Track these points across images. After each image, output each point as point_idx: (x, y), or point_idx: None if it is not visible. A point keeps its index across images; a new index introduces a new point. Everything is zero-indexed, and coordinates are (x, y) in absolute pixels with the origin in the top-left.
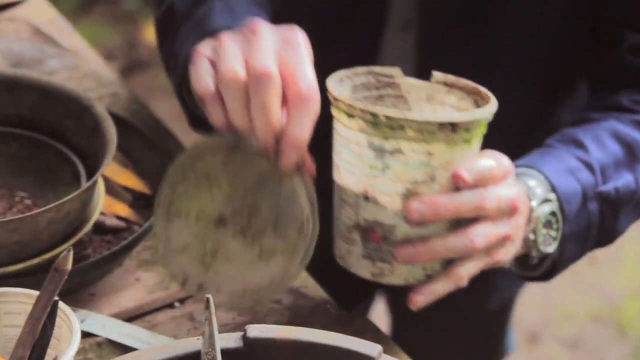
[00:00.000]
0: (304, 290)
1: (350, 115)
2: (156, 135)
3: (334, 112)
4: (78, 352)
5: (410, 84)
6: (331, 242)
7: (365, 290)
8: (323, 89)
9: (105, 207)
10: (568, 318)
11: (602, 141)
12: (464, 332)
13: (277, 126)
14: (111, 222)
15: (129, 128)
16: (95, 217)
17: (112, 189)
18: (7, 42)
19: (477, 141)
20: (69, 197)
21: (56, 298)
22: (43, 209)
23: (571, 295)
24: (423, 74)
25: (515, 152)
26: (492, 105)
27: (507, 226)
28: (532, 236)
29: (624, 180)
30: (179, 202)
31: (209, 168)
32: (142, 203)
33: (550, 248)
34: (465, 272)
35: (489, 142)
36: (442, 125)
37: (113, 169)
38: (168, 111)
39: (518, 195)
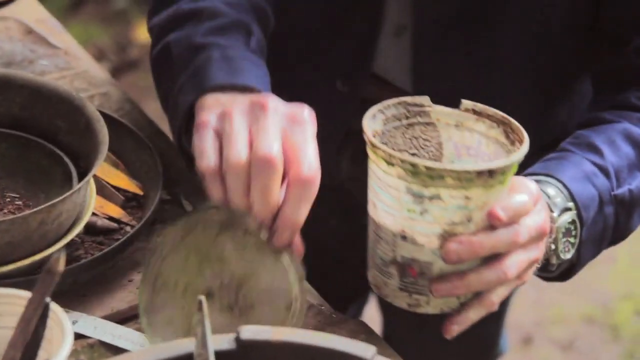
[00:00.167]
0: None
1: (389, 163)
2: (148, 136)
3: (371, 154)
4: (70, 354)
5: (439, 112)
6: (327, 244)
7: (357, 292)
8: (321, 91)
9: (97, 208)
10: (562, 320)
11: (615, 144)
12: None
13: (275, 208)
14: (103, 223)
15: (120, 128)
16: (86, 218)
17: (104, 190)
18: None
19: (510, 179)
20: (60, 198)
21: (48, 299)
22: (34, 210)
23: (565, 297)
24: (420, 77)
25: None
26: (525, 146)
27: (536, 251)
28: (552, 246)
29: (637, 181)
30: (166, 274)
31: (199, 242)
32: (133, 204)
33: (569, 254)
34: (497, 298)
35: None
36: (480, 173)
37: (105, 170)
38: (160, 111)
39: (546, 220)
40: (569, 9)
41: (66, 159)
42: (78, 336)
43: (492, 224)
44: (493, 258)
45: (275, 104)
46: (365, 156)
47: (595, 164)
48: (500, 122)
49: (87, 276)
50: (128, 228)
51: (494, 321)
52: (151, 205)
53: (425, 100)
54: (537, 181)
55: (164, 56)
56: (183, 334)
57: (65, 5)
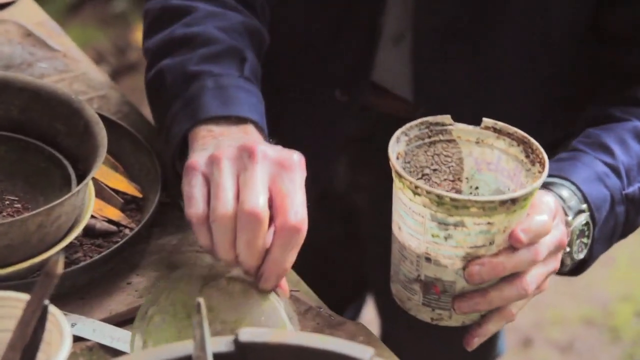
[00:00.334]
0: (296, 294)
1: (415, 193)
2: (147, 138)
3: (396, 181)
4: (69, 357)
5: (460, 129)
6: (325, 247)
7: (355, 294)
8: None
9: (96, 211)
10: (561, 322)
11: (625, 143)
12: (454, 335)
13: (260, 258)
14: (102, 225)
15: (119, 131)
16: (85, 220)
17: (103, 193)
18: None
19: (531, 202)
20: (59, 200)
21: (46, 302)
22: (33, 212)
23: (564, 299)
24: (420, 85)
25: None
26: (546, 171)
27: (554, 263)
28: (567, 249)
29: None
30: (155, 334)
31: (185, 298)
32: (132, 206)
33: (582, 254)
34: (516, 309)
35: None
36: (503, 202)
37: (104, 172)
38: None
39: (564, 232)
40: (570, 14)
41: (65, 162)
42: (77, 339)
43: (513, 245)
44: (513, 274)
45: (263, 150)
46: (363, 162)
47: (607, 164)
48: (520, 141)
49: (85, 279)
50: (127, 231)
51: None
52: (150, 208)
53: (446, 119)
54: (552, 183)
55: (158, 82)
56: None
57: (64, 8)
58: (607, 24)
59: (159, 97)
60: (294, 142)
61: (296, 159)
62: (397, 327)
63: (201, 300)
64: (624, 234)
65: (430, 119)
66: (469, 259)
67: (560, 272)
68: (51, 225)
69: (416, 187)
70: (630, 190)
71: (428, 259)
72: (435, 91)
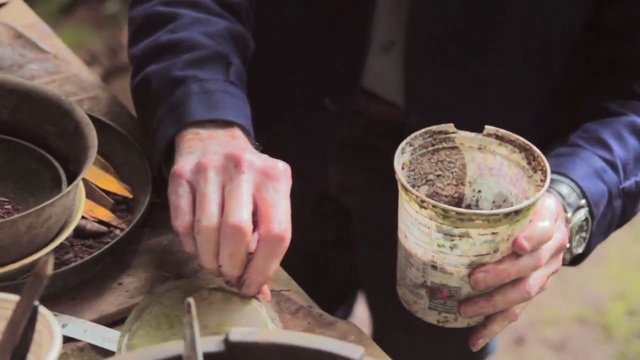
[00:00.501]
0: (286, 293)
1: (422, 206)
2: (137, 139)
3: (402, 194)
4: (59, 357)
5: (462, 137)
6: (316, 247)
7: (347, 293)
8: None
9: (86, 212)
10: (553, 320)
11: (623, 138)
12: (446, 334)
13: (242, 270)
14: (92, 226)
15: (110, 132)
16: (76, 221)
17: (93, 193)
18: None
19: (533, 210)
20: (49, 201)
21: (36, 303)
22: (23, 213)
23: (556, 297)
24: (411, 91)
25: None
26: (548, 180)
27: (556, 264)
28: (567, 245)
29: None
30: (140, 346)
31: (167, 310)
32: (123, 207)
33: (581, 248)
34: (520, 309)
35: None
36: (507, 214)
37: (94, 173)
38: None
39: (565, 233)
40: (569, 17)
41: (55, 163)
42: (67, 339)
43: (516, 252)
44: (517, 279)
45: (250, 159)
46: (355, 166)
47: (604, 160)
48: (522, 148)
49: (76, 279)
50: (117, 231)
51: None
52: (141, 209)
53: (449, 127)
54: (551, 180)
55: (144, 88)
56: None
57: (56, 10)
58: (605, 19)
59: (145, 102)
60: (286, 148)
61: (282, 168)
62: (390, 326)
63: (191, 300)
64: (620, 225)
65: (433, 128)
66: (474, 266)
67: None
68: (41, 226)
69: (422, 200)
70: (627, 184)
71: (434, 267)
72: (427, 96)
